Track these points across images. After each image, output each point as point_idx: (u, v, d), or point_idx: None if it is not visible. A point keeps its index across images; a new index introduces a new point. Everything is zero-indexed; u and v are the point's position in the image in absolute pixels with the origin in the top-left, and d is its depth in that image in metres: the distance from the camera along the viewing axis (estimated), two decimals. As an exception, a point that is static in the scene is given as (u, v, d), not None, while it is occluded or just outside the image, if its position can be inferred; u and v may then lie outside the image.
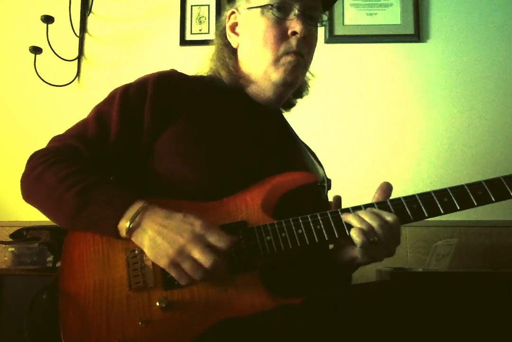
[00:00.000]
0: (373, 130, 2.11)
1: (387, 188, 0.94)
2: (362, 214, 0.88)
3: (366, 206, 0.90)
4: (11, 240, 1.70)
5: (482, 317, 1.42)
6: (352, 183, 1.99)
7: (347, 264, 0.95)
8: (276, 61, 1.01)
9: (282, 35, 1.01)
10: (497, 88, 2.11)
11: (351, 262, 0.94)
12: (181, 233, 0.80)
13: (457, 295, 1.44)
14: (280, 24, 1.01)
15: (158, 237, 0.81)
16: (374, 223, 0.86)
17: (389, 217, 0.87)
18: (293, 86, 1.07)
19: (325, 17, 1.08)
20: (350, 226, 0.88)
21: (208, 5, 2.25)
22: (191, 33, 2.24)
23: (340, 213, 0.89)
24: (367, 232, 0.86)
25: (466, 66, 2.13)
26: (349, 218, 0.88)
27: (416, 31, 2.15)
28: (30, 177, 0.92)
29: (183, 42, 2.23)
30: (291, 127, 1.17)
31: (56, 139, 0.98)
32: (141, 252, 0.84)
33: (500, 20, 2.16)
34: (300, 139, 1.19)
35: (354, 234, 0.86)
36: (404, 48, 2.17)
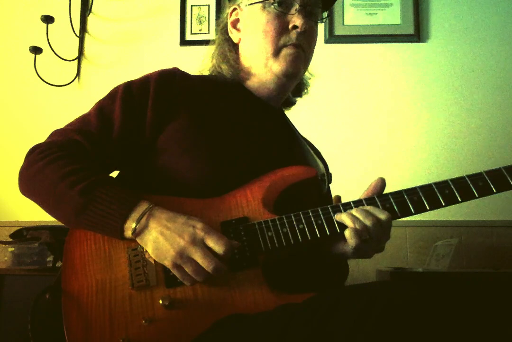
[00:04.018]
0: (373, 129, 2.11)
1: (378, 184, 0.92)
2: (355, 212, 0.87)
3: (367, 200, 0.89)
4: (11, 240, 1.70)
5: (482, 317, 1.41)
6: (352, 180, 1.98)
7: (336, 257, 0.96)
8: (276, 53, 1.02)
9: (282, 29, 1.02)
10: (497, 88, 2.11)
11: (340, 256, 0.95)
12: (182, 235, 0.81)
13: (457, 295, 1.44)
14: (281, 18, 1.02)
15: (160, 238, 0.82)
16: (367, 222, 0.85)
17: (382, 215, 0.86)
18: (294, 78, 1.07)
19: (324, 14, 1.09)
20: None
21: (208, 5, 2.25)
22: (191, 33, 2.24)
23: (341, 207, 0.89)
24: (360, 231, 0.85)
25: (466, 66, 2.14)
26: (342, 217, 0.87)
27: (416, 31, 2.15)
28: (29, 172, 0.91)
29: (183, 42, 2.23)
30: (292, 123, 1.17)
31: (57, 133, 0.97)
32: (143, 250, 0.85)
33: (500, 20, 2.16)
34: (301, 134, 1.19)
35: (348, 235, 0.86)
36: (404, 48, 2.17)
